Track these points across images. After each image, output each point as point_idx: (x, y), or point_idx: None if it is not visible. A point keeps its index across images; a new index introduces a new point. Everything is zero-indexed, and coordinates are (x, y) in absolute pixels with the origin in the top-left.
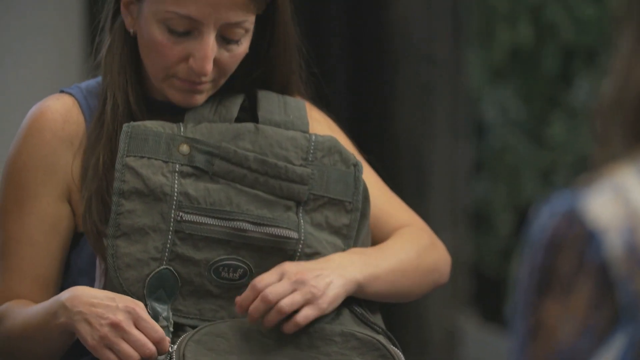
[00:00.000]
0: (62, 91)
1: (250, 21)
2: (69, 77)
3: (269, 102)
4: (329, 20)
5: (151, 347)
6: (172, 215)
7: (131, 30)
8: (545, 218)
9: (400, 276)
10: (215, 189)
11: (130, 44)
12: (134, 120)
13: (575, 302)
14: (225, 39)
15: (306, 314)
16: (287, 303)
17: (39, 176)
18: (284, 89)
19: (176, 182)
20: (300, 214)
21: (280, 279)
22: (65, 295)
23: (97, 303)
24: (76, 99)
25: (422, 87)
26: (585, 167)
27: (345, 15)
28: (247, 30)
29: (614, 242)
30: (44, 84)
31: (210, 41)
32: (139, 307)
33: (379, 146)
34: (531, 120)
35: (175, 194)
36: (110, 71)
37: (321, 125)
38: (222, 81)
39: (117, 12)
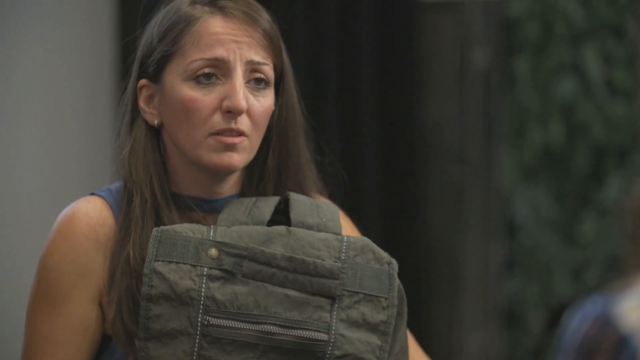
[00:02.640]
0: (92, 193)
1: (270, 67)
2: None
3: (302, 205)
4: (361, 121)
5: None
6: (200, 319)
7: (156, 122)
8: (578, 322)
9: None
10: (243, 292)
11: (152, 141)
12: (161, 214)
13: None
14: (251, 86)
15: None
16: None
17: (71, 278)
18: (298, 183)
19: (204, 286)
20: (335, 312)
21: None
22: None
23: None
24: (106, 201)
25: (454, 187)
26: (616, 265)
27: (378, 115)
28: (268, 79)
29: None
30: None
31: (239, 78)
32: None
33: (411, 245)
34: (562, 218)
35: (202, 298)
36: (135, 169)
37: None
38: (255, 139)
39: (134, 116)
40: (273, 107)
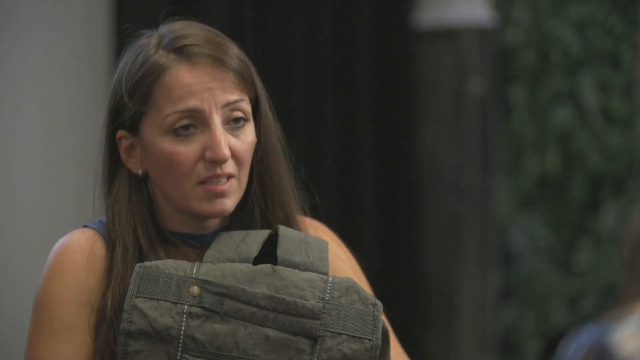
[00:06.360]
0: (85, 226)
1: (246, 102)
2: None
3: (290, 241)
4: (358, 150)
5: None
6: (179, 356)
7: (140, 171)
8: (574, 351)
9: None
10: (222, 332)
11: (136, 189)
12: (146, 260)
13: None
14: (231, 127)
15: None
16: None
17: (73, 308)
18: (282, 205)
19: (183, 323)
20: (316, 354)
21: None
22: None
23: None
24: (99, 232)
25: (451, 216)
26: (612, 294)
27: (374, 144)
28: (246, 115)
29: None
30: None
31: (219, 126)
32: None
33: (408, 274)
34: (559, 247)
35: (182, 336)
36: (118, 219)
37: (343, 262)
38: (243, 177)
39: (116, 165)
40: (255, 140)
